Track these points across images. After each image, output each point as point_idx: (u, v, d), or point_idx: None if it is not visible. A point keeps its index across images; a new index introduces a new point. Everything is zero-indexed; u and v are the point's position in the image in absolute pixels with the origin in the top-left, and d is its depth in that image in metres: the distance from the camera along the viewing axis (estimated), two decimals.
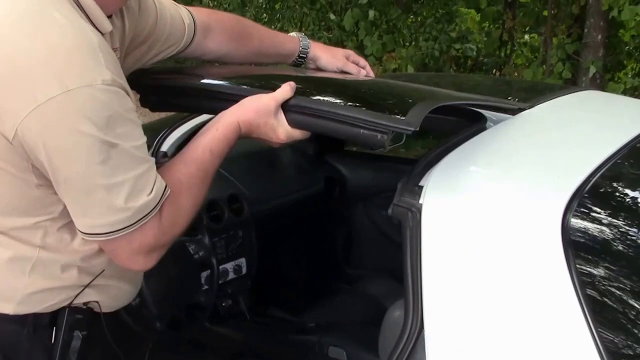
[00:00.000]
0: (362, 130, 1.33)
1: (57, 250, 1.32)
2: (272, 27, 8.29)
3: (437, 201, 1.29)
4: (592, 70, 5.94)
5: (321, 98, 1.47)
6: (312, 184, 2.78)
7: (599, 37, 6.07)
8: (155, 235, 1.28)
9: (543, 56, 6.88)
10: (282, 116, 1.42)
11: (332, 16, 7.44)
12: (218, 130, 1.39)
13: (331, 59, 1.89)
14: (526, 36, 8.13)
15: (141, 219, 1.24)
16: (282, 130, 1.42)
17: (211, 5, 8.73)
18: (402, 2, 7.72)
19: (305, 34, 1.91)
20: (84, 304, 1.37)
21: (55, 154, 1.17)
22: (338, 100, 1.47)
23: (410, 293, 1.24)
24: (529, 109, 1.73)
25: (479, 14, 7.93)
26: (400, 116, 1.31)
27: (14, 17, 1.19)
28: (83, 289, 1.35)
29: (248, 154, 2.52)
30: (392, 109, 1.40)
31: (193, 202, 1.35)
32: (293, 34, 1.90)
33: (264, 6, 8.22)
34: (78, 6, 1.27)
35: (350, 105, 1.43)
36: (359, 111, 1.36)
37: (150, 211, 1.25)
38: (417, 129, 1.27)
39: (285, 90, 1.42)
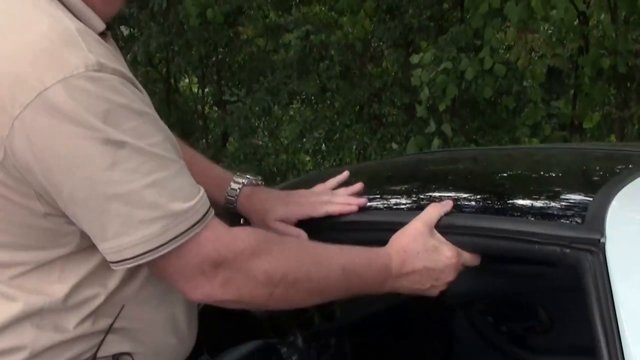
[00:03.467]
0: (537, 246, 1.16)
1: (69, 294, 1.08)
2: (332, 159, 8.25)
3: (625, 235, 1.11)
4: None
5: (482, 212, 1.35)
6: None
7: None
8: (216, 247, 1.05)
9: None
10: (440, 237, 1.23)
11: (395, 145, 7.35)
12: (365, 250, 1.20)
13: (293, 208, 1.39)
14: None
15: (183, 233, 1.01)
16: (450, 248, 1.22)
17: (266, 144, 8.76)
18: (465, 131, 7.63)
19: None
20: (113, 357, 1.13)
21: (51, 169, 0.97)
22: (503, 208, 1.38)
23: (605, 352, 1.00)
24: None
25: None
26: (580, 220, 1.16)
27: None
28: (105, 336, 1.11)
29: None
30: (570, 209, 1.29)
31: (294, 274, 1.11)
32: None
33: (322, 137, 8.21)
34: (64, 5, 1.07)
35: (519, 214, 1.30)
36: (530, 224, 1.20)
37: (196, 224, 1.03)
38: (604, 240, 1.09)
39: (432, 211, 1.24)
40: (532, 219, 1.26)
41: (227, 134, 8.78)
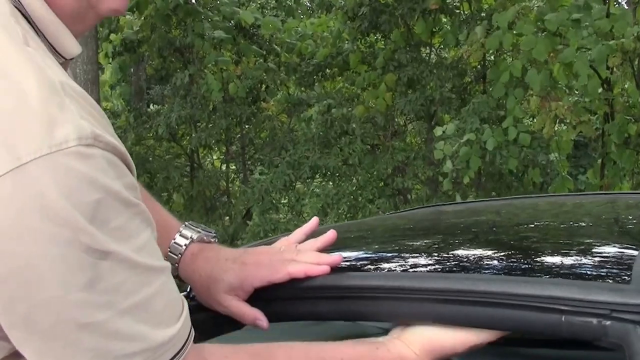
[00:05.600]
0: (563, 317, 0.84)
1: None
2: None
3: None
4: None
5: (486, 273, 1.00)
6: None
7: None
8: None
9: None
10: None
11: None
12: (380, 349, 0.95)
13: (247, 273, 1.04)
14: None
15: None
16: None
17: (287, 220, 8.63)
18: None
19: None
20: None
21: (5, 277, 0.69)
22: (516, 267, 1.03)
23: None
24: None
25: None
26: (625, 279, 0.86)
27: None
28: None
29: None
30: (609, 264, 1.00)
31: None
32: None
33: (345, 213, 8.07)
34: (29, 23, 0.78)
35: (538, 274, 0.97)
36: (553, 286, 0.86)
37: (179, 352, 0.79)
38: None
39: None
40: (556, 279, 0.92)
41: (250, 210, 8.67)
